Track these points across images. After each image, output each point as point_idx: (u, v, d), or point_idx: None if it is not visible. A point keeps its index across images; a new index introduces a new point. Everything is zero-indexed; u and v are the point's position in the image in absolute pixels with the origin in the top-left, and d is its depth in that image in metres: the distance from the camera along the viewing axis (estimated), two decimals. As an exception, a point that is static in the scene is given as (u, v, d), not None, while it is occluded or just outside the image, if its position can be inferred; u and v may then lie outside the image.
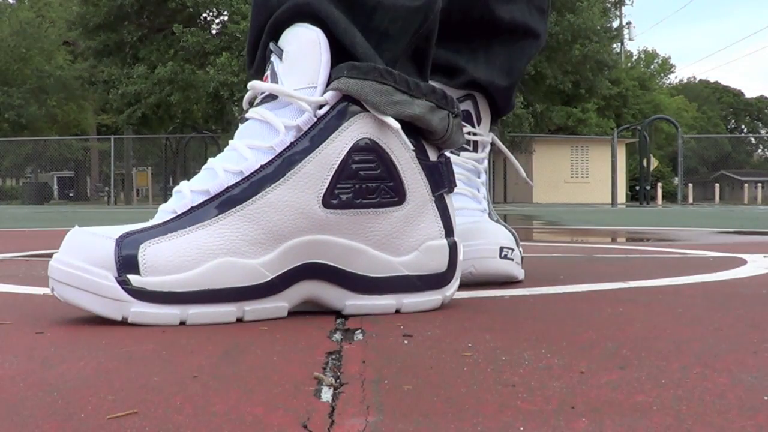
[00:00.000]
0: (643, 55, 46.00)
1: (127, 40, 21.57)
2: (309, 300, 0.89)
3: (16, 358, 0.66)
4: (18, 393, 0.54)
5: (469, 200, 1.24)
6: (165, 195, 21.94)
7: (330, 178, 0.87)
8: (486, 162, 1.31)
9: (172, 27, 20.10)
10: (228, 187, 0.85)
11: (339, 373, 0.59)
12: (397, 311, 0.91)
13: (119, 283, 0.81)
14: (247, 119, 0.92)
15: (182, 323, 0.82)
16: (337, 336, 0.76)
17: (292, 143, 0.87)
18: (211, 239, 0.83)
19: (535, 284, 1.18)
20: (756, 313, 0.92)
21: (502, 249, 1.15)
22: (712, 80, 55.12)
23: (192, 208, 0.85)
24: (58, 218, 6.91)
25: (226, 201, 0.85)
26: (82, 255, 0.82)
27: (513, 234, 1.20)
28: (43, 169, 31.35)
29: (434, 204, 0.93)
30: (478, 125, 1.30)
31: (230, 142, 0.91)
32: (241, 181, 0.85)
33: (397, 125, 0.88)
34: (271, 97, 0.90)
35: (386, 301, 0.90)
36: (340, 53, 0.90)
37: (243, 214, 0.84)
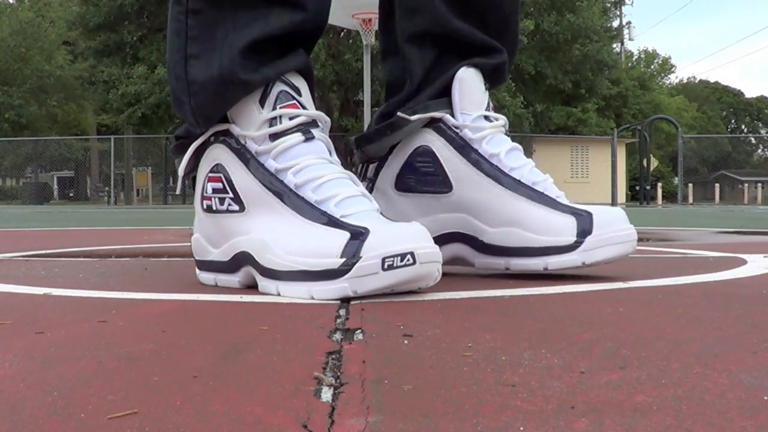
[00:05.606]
0: (643, 56, 46.00)
1: (127, 40, 21.57)
2: None
3: (16, 358, 0.66)
4: (18, 393, 0.54)
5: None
6: (165, 195, 21.94)
7: None
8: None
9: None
10: None
11: (339, 373, 0.59)
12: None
13: None
14: None
15: None
16: (338, 336, 0.76)
17: None
18: None
19: (535, 284, 1.18)
20: (756, 313, 0.92)
21: None
22: (712, 80, 55.17)
23: None
24: (58, 218, 6.91)
25: None
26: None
27: None
28: (43, 169, 31.34)
29: None
30: None
31: None
32: None
33: None
34: None
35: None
36: None
37: None
